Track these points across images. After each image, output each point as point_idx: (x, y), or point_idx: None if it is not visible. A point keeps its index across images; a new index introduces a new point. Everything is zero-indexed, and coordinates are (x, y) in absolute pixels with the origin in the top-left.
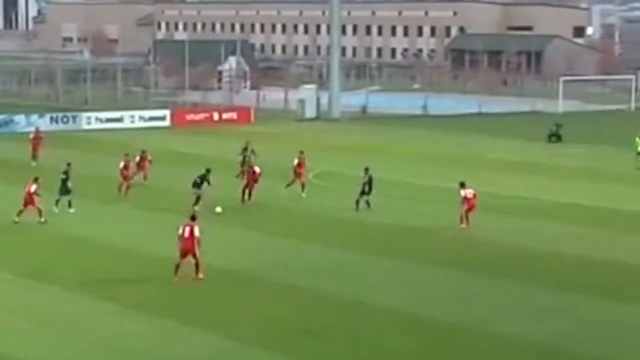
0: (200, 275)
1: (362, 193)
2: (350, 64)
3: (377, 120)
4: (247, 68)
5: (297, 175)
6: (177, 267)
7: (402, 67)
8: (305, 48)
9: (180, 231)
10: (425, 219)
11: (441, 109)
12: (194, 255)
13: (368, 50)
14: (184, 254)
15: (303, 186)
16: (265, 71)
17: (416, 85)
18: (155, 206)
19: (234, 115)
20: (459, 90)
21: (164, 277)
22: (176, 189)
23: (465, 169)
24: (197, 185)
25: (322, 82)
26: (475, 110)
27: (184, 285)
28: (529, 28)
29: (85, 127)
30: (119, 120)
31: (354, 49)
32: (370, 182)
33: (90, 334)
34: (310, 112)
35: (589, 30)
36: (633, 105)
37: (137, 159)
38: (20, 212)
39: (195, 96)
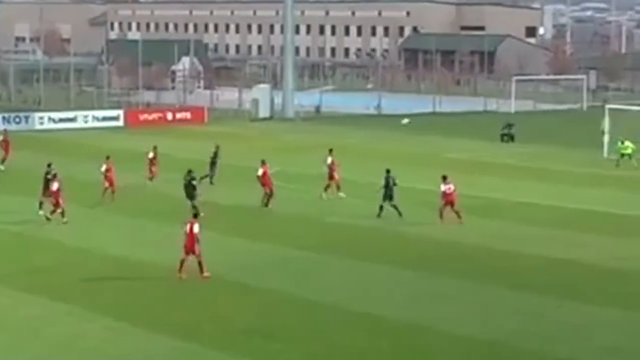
0: (206, 274)
1: (385, 198)
2: (304, 63)
3: (331, 120)
4: (200, 68)
5: (332, 176)
6: (182, 262)
7: (355, 66)
8: (259, 48)
9: (186, 228)
10: (381, 219)
11: (395, 108)
12: (194, 254)
13: (322, 50)
14: (186, 251)
15: (338, 186)
16: (219, 71)
17: (370, 85)
18: (110, 206)
19: (187, 115)
20: (413, 89)
21: (120, 278)
22: (132, 188)
23: (420, 168)
24: (191, 194)
25: (276, 81)
26: (429, 109)
27: (139, 286)
28: (481, 28)
29: (38, 127)
30: (73, 120)
31: (308, 49)
32: (389, 185)
33: (44, 336)
34: (264, 111)
35: (541, 30)
36: (585, 104)
37: (151, 155)
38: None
39: (149, 96)
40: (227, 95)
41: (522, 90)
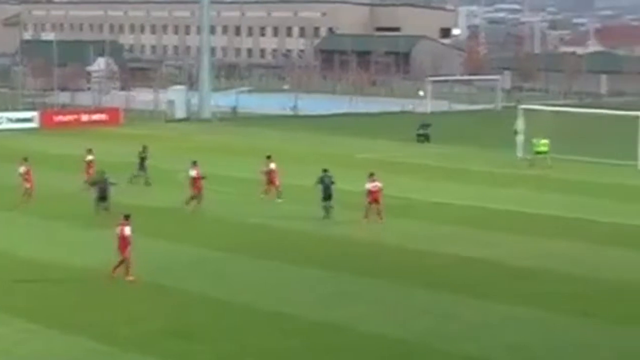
0: (130, 277)
1: (326, 198)
2: (220, 64)
3: (248, 121)
4: (116, 69)
5: (271, 182)
6: (120, 263)
7: (272, 67)
8: (175, 48)
9: (117, 230)
10: (296, 219)
11: (311, 109)
12: (124, 256)
13: (238, 51)
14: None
15: (278, 192)
16: (135, 72)
17: (286, 86)
18: (25, 208)
19: (103, 116)
20: (329, 90)
21: (33, 281)
22: (48, 191)
23: (336, 168)
24: (102, 197)
25: (192, 82)
26: (345, 110)
27: (53, 288)
28: (396, 29)
29: None
30: None
31: (224, 50)
32: (327, 184)
33: None
34: (180, 112)
35: (455, 31)
36: (499, 105)
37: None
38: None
39: (64, 97)
40: (143, 96)
41: (438, 90)
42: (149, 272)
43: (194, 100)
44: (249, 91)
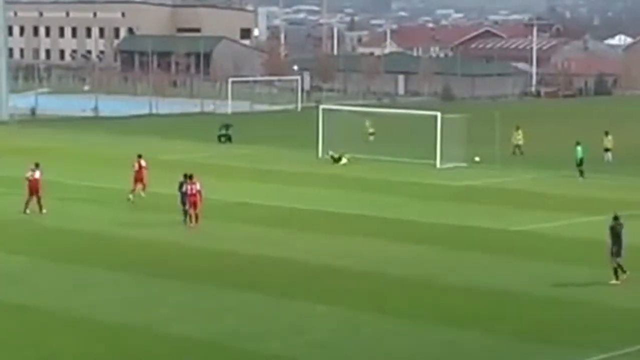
0: None
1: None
2: (17, 65)
3: (48, 123)
4: None
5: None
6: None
7: (71, 68)
8: None
9: None
10: (101, 222)
11: (112, 110)
12: None
13: (36, 52)
14: None
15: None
16: None
17: (86, 87)
18: None
19: None
20: (130, 91)
21: None
22: None
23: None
24: None
25: None
26: (145, 111)
27: None
28: (197, 30)
29: None
30: None
31: (22, 50)
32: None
33: None
34: None
35: (256, 32)
36: (300, 105)
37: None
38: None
39: None
40: None
41: (239, 91)
42: None
43: None
44: (49, 93)
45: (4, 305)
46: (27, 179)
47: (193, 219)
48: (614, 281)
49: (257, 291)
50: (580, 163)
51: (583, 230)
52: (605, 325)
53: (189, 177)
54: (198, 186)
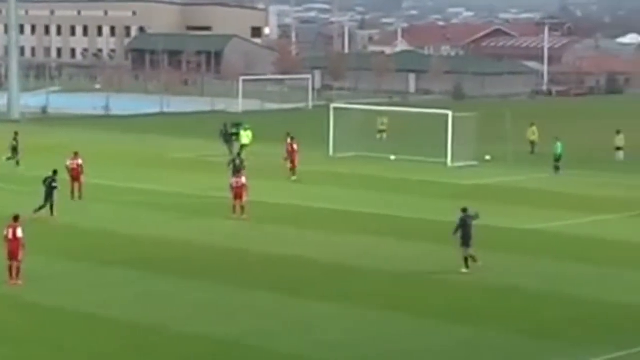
0: (19, 282)
1: None
2: (29, 64)
3: (59, 121)
4: None
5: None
6: (10, 269)
7: (82, 67)
8: None
9: (5, 232)
10: (104, 220)
11: (123, 109)
12: (17, 259)
13: (47, 50)
14: (10, 257)
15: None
16: None
17: (97, 86)
18: None
19: None
20: (141, 90)
21: None
22: None
23: (147, 168)
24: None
25: (1, 82)
26: (156, 110)
27: None
28: (208, 28)
29: None
30: None
31: (33, 49)
32: None
33: None
34: None
35: (267, 31)
36: (310, 103)
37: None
38: None
39: None
40: None
41: (250, 90)
42: None
43: (3, 101)
44: (60, 91)
45: (22, 304)
46: (68, 167)
47: (237, 210)
48: (464, 269)
49: (270, 290)
50: (558, 159)
51: (596, 229)
52: (620, 322)
53: (237, 172)
54: (244, 180)
